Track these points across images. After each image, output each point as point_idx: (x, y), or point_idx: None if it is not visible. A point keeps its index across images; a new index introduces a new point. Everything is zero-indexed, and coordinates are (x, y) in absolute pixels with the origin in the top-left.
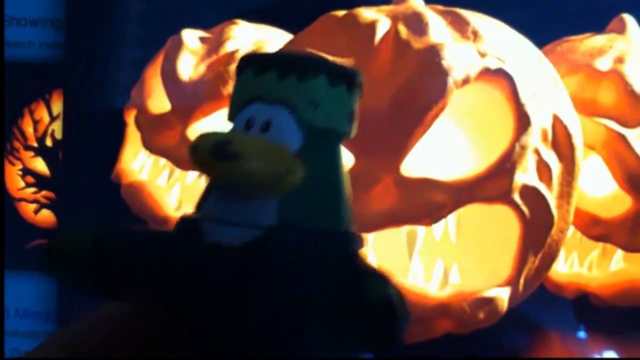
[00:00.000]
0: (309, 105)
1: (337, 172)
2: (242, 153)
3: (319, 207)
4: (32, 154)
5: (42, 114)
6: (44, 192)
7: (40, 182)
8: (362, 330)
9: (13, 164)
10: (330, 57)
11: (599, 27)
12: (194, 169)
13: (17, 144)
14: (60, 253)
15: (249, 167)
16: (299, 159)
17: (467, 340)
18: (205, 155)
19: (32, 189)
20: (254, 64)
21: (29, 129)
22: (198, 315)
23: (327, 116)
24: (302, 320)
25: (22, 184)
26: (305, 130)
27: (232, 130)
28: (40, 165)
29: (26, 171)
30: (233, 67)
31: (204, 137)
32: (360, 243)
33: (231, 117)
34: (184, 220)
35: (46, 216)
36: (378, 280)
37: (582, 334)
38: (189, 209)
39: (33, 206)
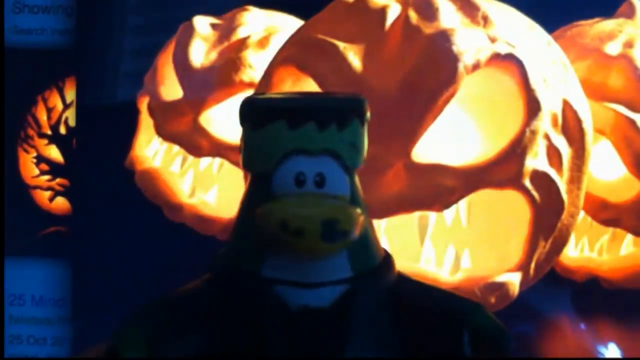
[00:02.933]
0: (351, 151)
1: (362, 201)
2: (349, 230)
3: (373, 244)
4: (46, 141)
5: (56, 101)
6: (58, 180)
7: (54, 169)
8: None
9: (27, 152)
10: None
11: (608, 11)
12: (285, 248)
13: (31, 132)
14: None
15: (353, 240)
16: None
17: None
18: (316, 239)
19: (47, 177)
20: (286, 116)
21: (42, 116)
22: None
23: (360, 155)
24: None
25: (36, 171)
26: (349, 175)
27: (311, 198)
28: (54, 152)
29: (40, 159)
30: (245, 53)
31: (303, 218)
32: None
33: (259, 169)
34: (254, 285)
35: (61, 203)
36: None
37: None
38: (202, 195)
39: (48, 193)
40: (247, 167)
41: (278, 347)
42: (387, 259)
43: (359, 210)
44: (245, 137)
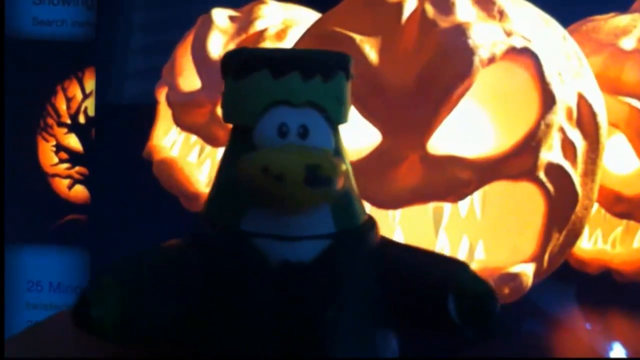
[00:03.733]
0: (336, 104)
1: (346, 158)
2: (332, 177)
3: (356, 202)
4: (65, 130)
5: (75, 91)
6: (77, 168)
7: (73, 158)
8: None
9: (47, 141)
10: (357, 38)
11: (623, 6)
12: (266, 196)
13: (50, 121)
14: (93, 326)
15: (335, 189)
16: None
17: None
18: (297, 183)
19: (66, 165)
20: (271, 64)
21: (62, 106)
22: (282, 335)
23: (345, 112)
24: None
25: (55, 160)
26: (333, 130)
27: (294, 147)
28: (73, 141)
29: (60, 147)
30: (262, 45)
31: (285, 162)
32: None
33: (241, 119)
34: (231, 240)
35: (79, 192)
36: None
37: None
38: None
39: (66, 182)
40: (228, 119)
41: (259, 301)
42: (371, 220)
43: (341, 161)
44: (227, 89)
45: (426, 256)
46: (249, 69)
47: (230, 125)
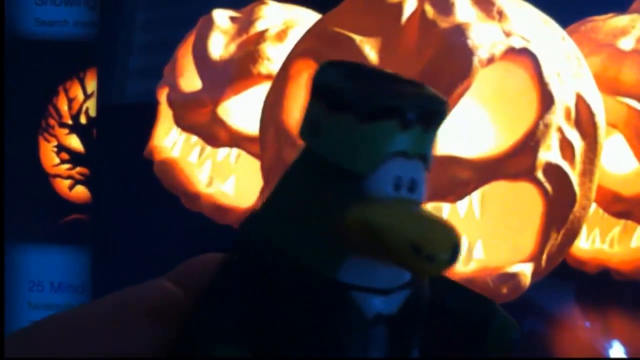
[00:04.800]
0: (431, 154)
1: None
2: (460, 252)
3: None
4: (66, 131)
5: (77, 92)
6: (78, 169)
7: (74, 158)
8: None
9: (48, 141)
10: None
11: (622, 7)
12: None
13: (52, 122)
14: None
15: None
16: None
17: None
18: (445, 266)
19: (67, 166)
20: (401, 114)
21: (63, 106)
22: None
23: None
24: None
25: (57, 160)
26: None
27: (425, 213)
28: (74, 142)
29: (61, 148)
30: (263, 46)
31: (438, 242)
32: None
33: (357, 166)
34: (330, 291)
35: (81, 192)
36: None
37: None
38: (219, 185)
39: (68, 182)
40: (336, 159)
41: (356, 355)
42: None
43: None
44: (344, 128)
45: (462, 291)
46: (380, 115)
47: (231, 125)
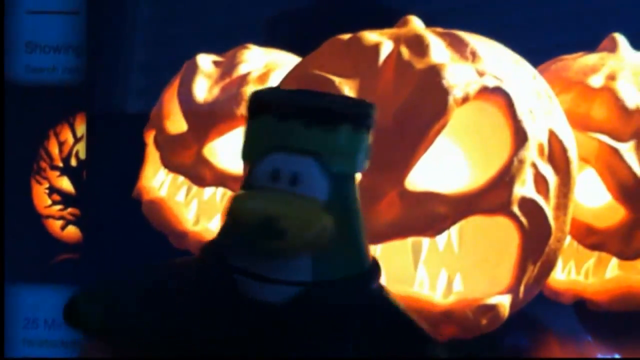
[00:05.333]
0: (336, 156)
1: (358, 212)
2: (290, 230)
3: (348, 253)
4: (57, 173)
5: (67, 135)
6: (69, 209)
7: (66, 199)
8: None
9: (40, 183)
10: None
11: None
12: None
13: (43, 164)
14: (76, 324)
15: (295, 243)
16: (327, 208)
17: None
18: (251, 231)
19: (59, 207)
20: (276, 109)
21: (54, 150)
22: None
23: (352, 162)
24: None
25: (49, 201)
26: (330, 180)
27: (271, 194)
28: (65, 184)
29: (52, 190)
30: (246, 89)
31: (248, 209)
32: (379, 270)
33: (248, 159)
34: (216, 270)
35: (72, 232)
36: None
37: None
38: (205, 223)
39: (59, 223)
40: (244, 158)
41: (226, 332)
42: (365, 275)
43: (316, 216)
44: (245, 126)
45: (404, 332)
46: (258, 110)
47: (216, 164)
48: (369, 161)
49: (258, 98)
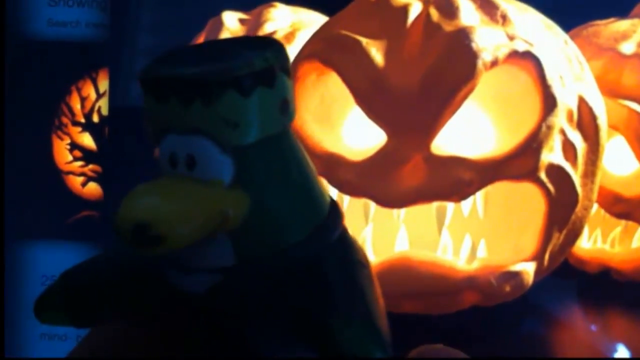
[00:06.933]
0: (227, 128)
1: (292, 168)
2: (166, 234)
3: (275, 227)
4: (79, 129)
5: (89, 91)
6: (91, 166)
7: (87, 156)
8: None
9: (61, 139)
10: (363, 41)
11: (623, 11)
12: None
13: (65, 120)
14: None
15: (178, 244)
16: (238, 184)
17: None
18: (127, 240)
19: (80, 163)
20: (152, 90)
21: (76, 105)
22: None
23: (253, 128)
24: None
25: (70, 157)
26: (234, 155)
27: (152, 192)
28: (87, 140)
29: (74, 146)
30: None
31: (120, 217)
32: (340, 214)
33: (154, 142)
34: (147, 265)
35: (93, 189)
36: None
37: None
38: None
39: (80, 179)
40: (152, 142)
41: (154, 325)
42: (299, 245)
43: (198, 209)
44: None
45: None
46: (144, 90)
47: None
48: (396, 124)
49: (142, 76)
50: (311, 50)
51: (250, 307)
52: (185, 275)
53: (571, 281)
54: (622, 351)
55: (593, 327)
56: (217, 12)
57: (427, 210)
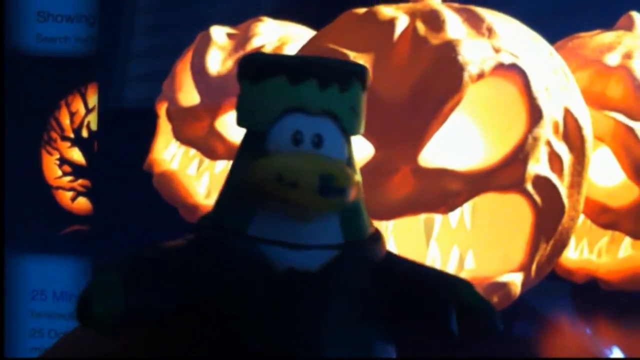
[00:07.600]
0: (351, 115)
1: (357, 169)
2: (346, 187)
3: (363, 213)
4: (68, 144)
5: (78, 106)
6: (80, 181)
7: (76, 171)
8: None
9: (50, 154)
10: (351, 54)
11: (608, 23)
12: (278, 202)
13: (54, 135)
14: (95, 321)
15: (347, 200)
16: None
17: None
18: (311, 192)
19: (69, 178)
20: (288, 70)
21: (65, 120)
22: (273, 341)
23: (359, 123)
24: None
25: (59, 172)
26: (347, 140)
27: (310, 156)
28: (76, 155)
29: (63, 161)
30: None
31: (300, 170)
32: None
33: (253, 125)
34: (238, 244)
35: (82, 203)
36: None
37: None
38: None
39: (70, 194)
40: (241, 123)
41: (258, 307)
42: (377, 233)
43: (354, 173)
44: (242, 92)
45: (430, 272)
46: (266, 74)
47: (228, 138)
48: (384, 137)
49: (263, 61)
50: None
51: (363, 284)
52: (299, 252)
53: (563, 282)
54: (614, 353)
55: (585, 330)
56: (205, 27)
57: (415, 223)
